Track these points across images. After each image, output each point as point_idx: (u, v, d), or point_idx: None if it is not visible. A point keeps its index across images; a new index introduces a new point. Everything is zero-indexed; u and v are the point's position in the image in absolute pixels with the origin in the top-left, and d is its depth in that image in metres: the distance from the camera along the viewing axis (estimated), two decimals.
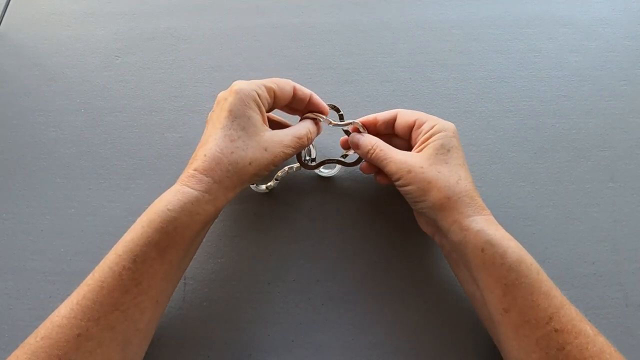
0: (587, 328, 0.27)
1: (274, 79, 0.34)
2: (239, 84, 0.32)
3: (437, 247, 0.37)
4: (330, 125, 0.37)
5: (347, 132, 0.38)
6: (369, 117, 0.36)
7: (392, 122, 0.36)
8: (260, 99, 0.32)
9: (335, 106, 0.37)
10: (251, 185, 0.39)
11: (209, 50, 0.46)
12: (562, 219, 0.38)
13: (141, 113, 0.44)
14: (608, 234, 0.38)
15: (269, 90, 0.33)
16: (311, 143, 0.36)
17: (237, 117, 0.31)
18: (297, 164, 0.38)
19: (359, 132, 0.37)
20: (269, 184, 0.39)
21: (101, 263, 0.29)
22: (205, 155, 0.30)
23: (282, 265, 0.37)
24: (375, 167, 0.36)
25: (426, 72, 0.45)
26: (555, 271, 0.36)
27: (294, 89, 0.35)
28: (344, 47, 0.47)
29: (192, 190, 0.29)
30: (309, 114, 0.36)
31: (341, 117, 0.37)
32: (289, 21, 0.48)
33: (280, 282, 0.37)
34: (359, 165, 0.38)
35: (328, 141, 0.41)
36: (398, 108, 0.36)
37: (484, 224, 0.29)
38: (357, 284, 0.36)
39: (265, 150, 0.32)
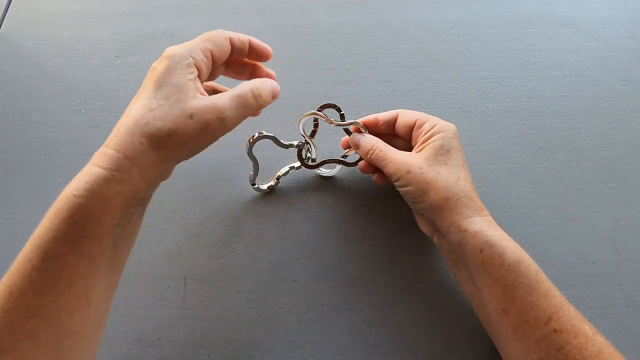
0: (586, 328, 0.27)
1: (205, 35, 0.30)
2: (171, 50, 0.29)
3: (437, 247, 0.37)
4: (332, 125, 0.37)
5: (347, 132, 0.38)
6: (369, 117, 0.36)
7: (393, 122, 0.36)
8: (197, 63, 0.29)
9: (336, 105, 0.37)
10: (252, 185, 0.39)
11: None
12: (562, 219, 0.38)
13: None
14: (608, 234, 0.38)
15: (205, 51, 0.30)
16: (261, 103, 0.31)
17: (162, 86, 0.27)
18: (298, 164, 0.38)
19: (360, 132, 0.36)
20: (270, 183, 0.39)
21: (10, 267, 0.25)
22: (118, 129, 0.27)
23: (282, 265, 0.37)
24: (374, 167, 0.36)
25: (426, 72, 0.45)
26: (555, 271, 0.36)
27: (231, 40, 0.31)
28: (344, 47, 0.47)
29: (100, 169, 0.25)
30: (309, 113, 0.36)
31: (342, 117, 0.37)
32: (289, 21, 0.48)
33: (280, 282, 0.37)
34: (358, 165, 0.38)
35: (328, 141, 0.41)
36: (398, 108, 0.36)
37: (482, 225, 0.29)
38: (357, 284, 0.36)
39: (191, 117, 0.27)
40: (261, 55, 0.34)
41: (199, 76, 0.29)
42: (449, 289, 0.36)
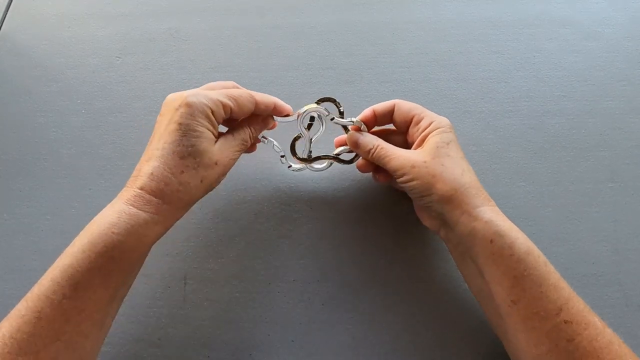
0: (595, 320, 0.27)
1: (234, 93, 0.32)
2: (193, 97, 0.30)
3: (438, 246, 0.37)
4: (332, 121, 0.36)
5: (345, 129, 0.37)
6: (366, 112, 0.36)
7: (389, 113, 0.35)
8: (214, 116, 0.31)
9: (335, 100, 0.36)
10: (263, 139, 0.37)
11: (209, 51, 0.47)
12: (562, 219, 0.38)
13: (141, 113, 0.44)
14: (608, 234, 0.38)
15: (226, 107, 0.31)
16: (253, 140, 0.35)
17: (187, 132, 0.29)
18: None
19: (360, 131, 0.36)
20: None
21: (35, 290, 0.27)
22: (152, 174, 0.29)
23: (282, 265, 0.37)
24: (373, 166, 0.36)
25: (426, 72, 0.45)
26: None
27: (256, 105, 0.33)
28: (344, 47, 0.47)
29: (139, 211, 0.28)
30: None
31: (341, 113, 0.36)
32: (289, 21, 0.48)
33: (280, 282, 0.37)
34: (355, 164, 0.37)
35: (323, 137, 0.40)
36: None
37: (492, 215, 0.29)
38: (357, 284, 0.36)
39: (216, 164, 0.31)
40: (283, 114, 0.36)
41: (214, 124, 0.31)
42: (449, 289, 0.36)
